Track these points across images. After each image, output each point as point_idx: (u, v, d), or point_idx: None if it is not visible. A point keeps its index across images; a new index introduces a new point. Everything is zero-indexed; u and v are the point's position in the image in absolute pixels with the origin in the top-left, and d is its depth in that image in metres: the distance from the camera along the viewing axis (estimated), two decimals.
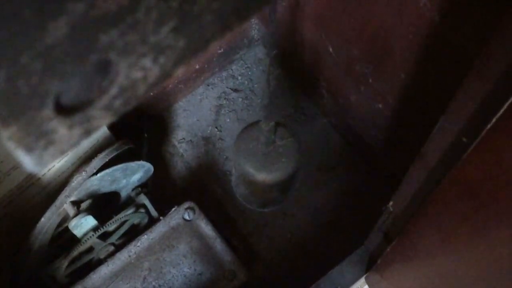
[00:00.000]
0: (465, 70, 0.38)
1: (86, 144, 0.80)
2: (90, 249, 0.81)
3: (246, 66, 1.08)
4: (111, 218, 0.80)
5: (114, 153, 0.78)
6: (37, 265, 0.79)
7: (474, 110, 0.39)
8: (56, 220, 0.77)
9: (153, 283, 0.82)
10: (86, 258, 0.81)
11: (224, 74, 1.07)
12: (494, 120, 0.37)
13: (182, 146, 1.01)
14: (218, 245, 0.84)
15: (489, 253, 0.46)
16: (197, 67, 1.01)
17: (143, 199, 0.85)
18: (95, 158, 0.77)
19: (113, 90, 0.21)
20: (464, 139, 0.42)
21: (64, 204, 0.76)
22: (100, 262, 0.83)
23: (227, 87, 1.06)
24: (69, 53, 0.18)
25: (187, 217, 0.85)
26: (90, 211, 0.78)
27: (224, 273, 0.82)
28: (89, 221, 0.77)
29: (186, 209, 0.85)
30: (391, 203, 0.63)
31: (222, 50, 1.03)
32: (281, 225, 0.94)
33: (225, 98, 1.05)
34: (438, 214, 0.52)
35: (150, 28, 0.20)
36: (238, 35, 1.04)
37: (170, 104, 1.04)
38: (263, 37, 1.05)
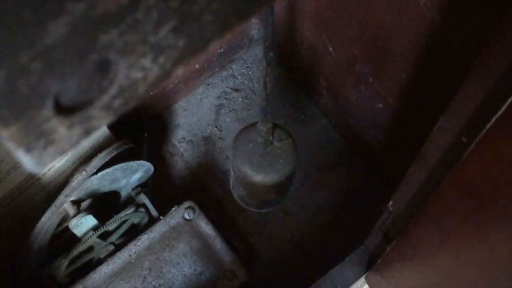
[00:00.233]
0: (465, 70, 0.38)
1: (86, 143, 0.80)
2: (90, 249, 0.81)
3: (246, 65, 1.08)
4: (111, 217, 0.80)
5: (114, 153, 0.79)
6: (37, 265, 0.79)
7: (474, 110, 0.39)
8: (56, 219, 0.77)
9: (153, 282, 0.82)
10: (86, 258, 0.81)
11: (224, 73, 1.07)
12: (494, 120, 0.37)
13: (182, 145, 1.01)
14: (218, 244, 0.84)
15: (489, 253, 0.46)
16: (197, 66, 1.01)
17: (143, 199, 0.85)
18: (95, 157, 0.77)
19: (113, 90, 0.21)
20: (464, 139, 0.42)
21: (64, 203, 0.76)
22: (100, 261, 0.83)
23: (227, 87, 1.06)
24: (69, 53, 0.18)
25: (187, 217, 0.85)
26: (90, 210, 0.78)
27: (224, 273, 0.82)
28: (89, 221, 0.77)
29: (186, 208, 0.85)
30: (391, 203, 0.63)
31: (222, 49, 1.03)
32: (281, 225, 0.94)
33: (225, 98, 1.05)
34: (438, 214, 0.52)
35: (150, 28, 0.20)
36: (238, 35, 1.03)
37: (170, 104, 1.04)
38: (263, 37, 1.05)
